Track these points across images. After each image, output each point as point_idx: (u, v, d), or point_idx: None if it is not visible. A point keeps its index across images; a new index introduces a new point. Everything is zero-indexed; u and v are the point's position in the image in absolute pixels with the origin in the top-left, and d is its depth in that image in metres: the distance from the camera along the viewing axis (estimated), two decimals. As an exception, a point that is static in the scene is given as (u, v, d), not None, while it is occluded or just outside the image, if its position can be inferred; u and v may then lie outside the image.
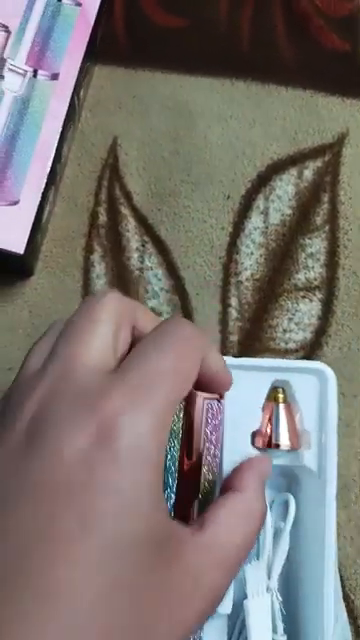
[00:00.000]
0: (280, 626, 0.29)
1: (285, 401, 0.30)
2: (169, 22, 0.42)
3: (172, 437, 0.23)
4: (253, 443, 0.30)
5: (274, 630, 0.29)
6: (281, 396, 0.30)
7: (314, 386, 0.30)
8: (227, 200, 0.39)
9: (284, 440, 0.29)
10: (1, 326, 0.36)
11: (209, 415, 0.25)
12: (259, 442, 0.30)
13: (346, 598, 0.33)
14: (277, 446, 0.29)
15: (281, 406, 0.30)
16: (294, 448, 0.30)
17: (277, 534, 0.30)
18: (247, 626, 0.28)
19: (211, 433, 0.25)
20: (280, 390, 0.30)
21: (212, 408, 0.25)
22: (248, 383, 0.30)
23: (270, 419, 0.30)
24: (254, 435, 0.30)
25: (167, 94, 0.41)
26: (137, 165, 0.39)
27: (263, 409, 0.30)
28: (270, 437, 0.29)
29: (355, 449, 0.36)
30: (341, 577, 0.33)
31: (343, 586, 0.33)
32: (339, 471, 0.34)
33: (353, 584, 0.33)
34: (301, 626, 0.30)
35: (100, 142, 0.39)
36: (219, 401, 0.25)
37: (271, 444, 0.29)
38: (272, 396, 0.30)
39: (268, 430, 0.30)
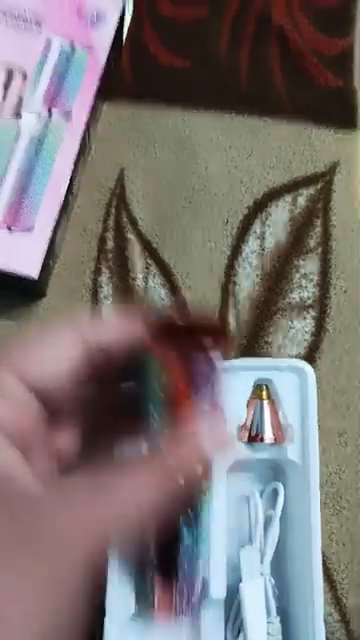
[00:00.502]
0: (273, 608, 0.31)
1: (268, 397, 0.33)
2: (172, 61, 0.46)
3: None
4: (239, 437, 0.32)
5: (268, 612, 0.31)
6: (264, 393, 0.33)
7: (295, 383, 0.33)
8: (226, 225, 0.42)
9: (268, 434, 0.32)
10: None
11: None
12: (245, 436, 0.32)
13: (338, 601, 0.35)
14: (262, 440, 0.32)
15: (265, 402, 0.33)
16: (278, 442, 0.32)
17: (268, 521, 0.32)
18: (243, 608, 0.30)
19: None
20: (263, 387, 0.33)
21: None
22: (234, 382, 0.33)
23: (255, 415, 0.32)
24: (240, 430, 0.33)
25: (170, 127, 0.44)
26: (143, 194, 0.42)
27: (248, 405, 0.33)
28: (255, 432, 0.32)
29: (347, 458, 0.38)
30: (333, 581, 0.35)
31: (335, 589, 0.35)
32: (332, 479, 0.36)
33: (345, 588, 0.35)
34: (293, 607, 0.32)
35: (108, 173, 0.43)
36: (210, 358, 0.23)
37: (256, 438, 0.32)
38: (256, 393, 0.33)
39: (253, 425, 0.32)
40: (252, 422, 0.32)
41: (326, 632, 0.32)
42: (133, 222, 0.42)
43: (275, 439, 0.32)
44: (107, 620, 0.29)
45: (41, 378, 0.21)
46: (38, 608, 0.17)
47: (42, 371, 0.21)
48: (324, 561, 0.35)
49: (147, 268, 0.41)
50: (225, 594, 0.30)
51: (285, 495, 0.32)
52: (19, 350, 0.22)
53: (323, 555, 0.34)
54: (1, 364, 0.21)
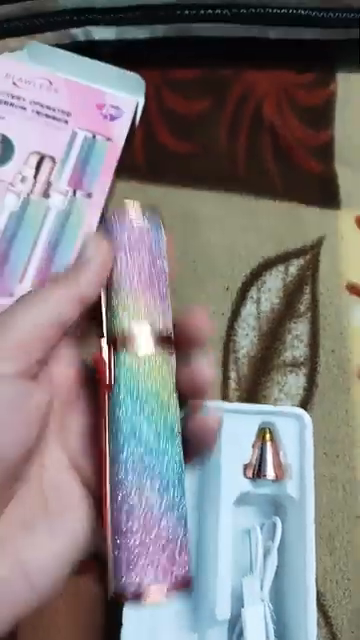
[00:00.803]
0: (272, 632, 0.34)
1: (271, 439, 0.37)
2: (179, 148, 0.52)
3: None
4: (245, 474, 0.37)
5: (267, 636, 0.34)
6: (268, 435, 0.37)
7: (294, 428, 0.38)
8: (226, 291, 0.47)
9: (270, 472, 0.36)
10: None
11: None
12: (249, 473, 0.37)
13: (334, 637, 0.38)
14: (265, 476, 0.36)
15: (268, 444, 0.37)
16: (278, 478, 0.36)
17: (267, 552, 0.36)
18: (245, 631, 0.33)
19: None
20: (267, 430, 0.38)
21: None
22: (240, 424, 0.38)
23: (259, 454, 0.37)
24: (245, 467, 0.37)
25: (177, 205, 0.50)
26: (152, 262, 0.48)
27: (253, 446, 0.37)
28: (259, 469, 0.36)
29: (338, 502, 0.41)
30: (329, 617, 0.38)
31: (330, 624, 0.38)
32: (325, 522, 0.40)
33: (339, 623, 0.38)
34: (289, 632, 0.36)
35: (122, 243, 0.48)
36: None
37: (260, 475, 0.36)
38: (260, 435, 0.38)
39: (257, 463, 0.37)
40: (256, 461, 0.37)
41: (322, 666, 0.36)
42: (144, 287, 0.47)
43: (276, 476, 0.36)
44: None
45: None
46: None
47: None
48: (319, 598, 0.38)
49: (156, 328, 0.46)
50: (229, 615, 0.33)
51: (283, 528, 0.36)
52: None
53: (318, 593, 0.38)
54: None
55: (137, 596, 0.20)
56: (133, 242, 0.24)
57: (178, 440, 0.23)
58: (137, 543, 0.20)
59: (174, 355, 0.24)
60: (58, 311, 0.23)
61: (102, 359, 0.23)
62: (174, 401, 0.23)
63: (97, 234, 0.25)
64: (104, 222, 0.25)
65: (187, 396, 0.24)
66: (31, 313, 0.22)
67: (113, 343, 0.23)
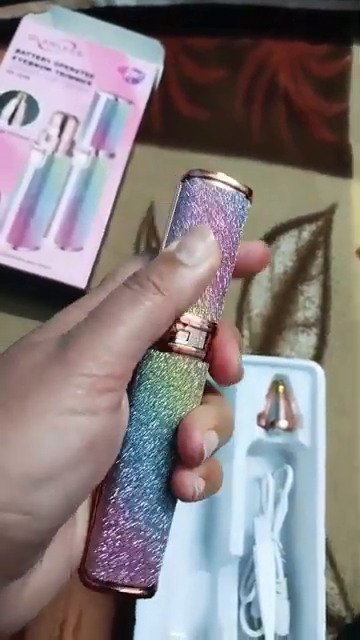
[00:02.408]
0: (281, 570, 0.37)
1: (284, 391, 0.39)
2: (195, 114, 0.54)
3: None
4: (258, 423, 0.39)
5: (276, 573, 0.36)
6: (281, 387, 0.39)
7: (307, 380, 0.39)
8: (241, 253, 0.49)
9: (282, 421, 0.38)
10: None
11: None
12: (262, 422, 0.39)
13: (338, 577, 0.40)
14: (277, 426, 0.38)
15: (281, 395, 0.39)
16: (290, 428, 0.38)
17: (277, 498, 0.38)
18: (256, 567, 0.35)
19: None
20: (280, 382, 0.40)
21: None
22: (255, 376, 0.39)
23: (272, 405, 0.39)
24: (259, 417, 0.39)
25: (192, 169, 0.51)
26: (169, 224, 0.49)
27: (266, 397, 0.39)
28: (272, 419, 0.38)
29: (344, 454, 0.43)
30: (334, 560, 0.41)
31: (335, 567, 0.40)
32: (330, 472, 0.42)
33: (344, 565, 0.40)
34: (299, 569, 0.38)
35: (140, 204, 0.50)
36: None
37: (273, 424, 0.38)
38: (274, 387, 0.39)
39: (270, 413, 0.38)
40: (269, 411, 0.39)
41: (327, 603, 0.38)
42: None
43: (288, 426, 0.38)
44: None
45: None
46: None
47: None
48: (325, 542, 0.40)
49: (173, 287, 0.47)
50: (242, 552, 0.35)
51: (294, 476, 0.38)
52: None
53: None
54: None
55: (103, 589, 0.21)
56: (214, 215, 0.21)
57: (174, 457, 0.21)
58: (119, 544, 0.21)
59: (206, 363, 0.22)
60: (154, 323, 0.19)
61: None
62: (184, 408, 0.21)
63: (207, 229, 0.21)
64: (189, 182, 0.22)
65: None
66: (128, 325, 0.19)
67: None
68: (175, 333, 0.21)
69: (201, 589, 0.39)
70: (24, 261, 0.41)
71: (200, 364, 0.21)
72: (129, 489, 0.21)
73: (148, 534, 0.21)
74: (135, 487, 0.21)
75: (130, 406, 0.21)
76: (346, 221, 0.50)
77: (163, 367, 0.21)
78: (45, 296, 0.44)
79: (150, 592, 0.22)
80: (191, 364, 0.21)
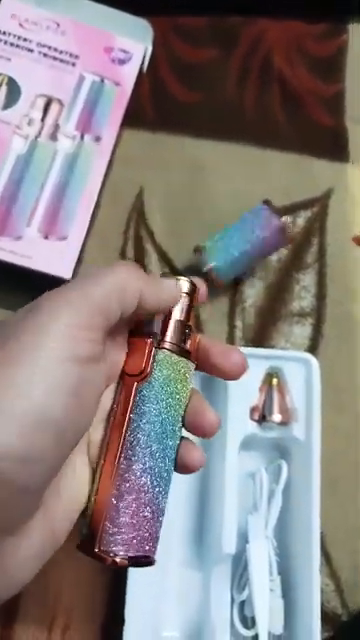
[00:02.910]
0: (275, 567, 0.35)
1: (278, 384, 0.38)
2: (187, 97, 0.52)
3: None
4: (251, 416, 0.37)
5: (270, 571, 0.35)
6: (275, 380, 0.38)
7: (301, 372, 0.38)
8: (234, 241, 0.47)
9: (276, 415, 0.36)
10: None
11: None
12: (256, 415, 0.37)
13: (334, 574, 0.39)
14: (271, 419, 0.37)
15: (274, 388, 0.37)
16: (284, 422, 0.37)
17: (271, 494, 0.36)
18: (249, 565, 0.34)
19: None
20: (274, 375, 0.38)
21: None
22: (248, 368, 0.38)
23: (265, 398, 0.37)
24: (252, 410, 0.37)
25: (184, 153, 0.49)
26: (159, 210, 0.47)
27: (260, 389, 0.38)
28: (265, 412, 0.36)
29: (342, 449, 0.42)
30: (330, 556, 0.39)
31: (331, 563, 0.39)
32: (327, 467, 0.41)
33: (340, 562, 0.39)
34: (294, 567, 0.37)
35: (129, 191, 0.48)
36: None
37: (266, 418, 0.36)
38: (267, 380, 0.38)
39: (264, 407, 0.37)
40: (263, 404, 0.37)
41: (322, 600, 0.37)
42: (150, 234, 0.47)
43: (282, 419, 0.37)
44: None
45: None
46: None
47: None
48: (321, 537, 0.39)
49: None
50: (235, 550, 0.34)
51: (288, 471, 0.36)
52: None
53: (320, 533, 0.38)
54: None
55: (113, 561, 0.23)
56: None
57: (178, 441, 0.25)
58: (127, 520, 0.23)
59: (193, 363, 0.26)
60: (124, 287, 0.23)
61: (145, 351, 0.25)
62: (185, 402, 0.26)
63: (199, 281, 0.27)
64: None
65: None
66: (102, 284, 0.22)
67: (157, 339, 0.25)
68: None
69: (194, 588, 0.38)
70: (6, 251, 0.40)
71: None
72: (148, 462, 0.23)
73: (156, 504, 0.24)
74: (151, 459, 0.23)
75: (149, 384, 0.24)
76: (342, 206, 0.49)
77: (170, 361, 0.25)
78: (29, 287, 0.42)
79: (153, 560, 0.24)
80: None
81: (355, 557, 0.39)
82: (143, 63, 0.48)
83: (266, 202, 0.44)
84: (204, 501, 0.39)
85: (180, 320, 0.26)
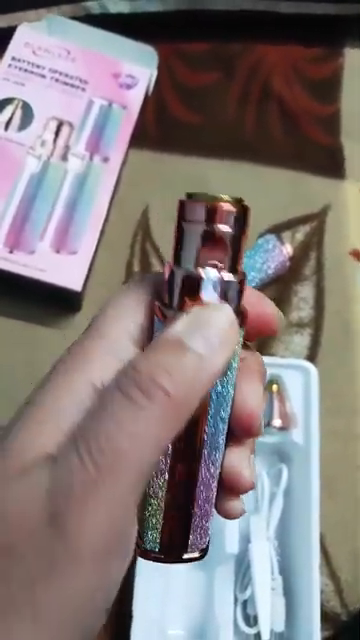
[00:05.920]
0: (276, 567, 0.37)
1: (278, 391, 0.39)
2: (189, 118, 0.54)
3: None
4: None
5: (272, 571, 0.37)
6: (275, 387, 0.39)
7: (301, 379, 0.40)
8: (235, 254, 0.49)
9: (277, 421, 0.38)
10: (57, 349, 0.45)
11: None
12: None
13: (333, 574, 0.41)
14: (271, 425, 0.39)
15: (275, 394, 0.39)
16: (284, 427, 0.38)
17: (272, 497, 0.38)
18: (251, 564, 0.35)
19: None
20: (274, 382, 0.40)
21: None
22: None
23: (266, 404, 0.39)
24: None
25: (186, 172, 0.52)
26: (164, 226, 0.50)
27: None
28: (266, 419, 0.39)
29: (340, 453, 0.44)
30: (329, 556, 0.41)
31: (331, 564, 0.41)
32: (326, 471, 0.43)
33: (340, 562, 0.41)
34: (294, 567, 0.38)
35: (135, 208, 0.50)
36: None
37: (267, 424, 0.38)
38: (268, 387, 0.40)
39: (264, 413, 0.39)
40: (263, 410, 0.39)
41: (322, 600, 0.38)
42: (156, 249, 0.49)
43: (282, 425, 0.38)
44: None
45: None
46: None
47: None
48: (320, 538, 0.40)
49: (168, 288, 0.48)
50: (237, 550, 0.36)
51: (289, 475, 0.38)
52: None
53: (320, 534, 0.40)
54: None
55: (187, 560, 0.21)
56: None
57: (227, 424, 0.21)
58: (203, 523, 0.21)
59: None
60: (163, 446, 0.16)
61: None
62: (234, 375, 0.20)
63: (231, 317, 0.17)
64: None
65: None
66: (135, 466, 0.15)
67: None
68: None
69: (198, 587, 0.39)
70: (20, 265, 0.42)
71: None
72: (212, 468, 0.20)
73: (213, 499, 0.21)
74: (216, 463, 0.20)
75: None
76: (339, 222, 0.51)
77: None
78: (41, 299, 0.45)
79: (207, 549, 0.22)
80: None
81: (354, 557, 0.41)
82: (149, 87, 0.51)
83: (274, 233, 0.46)
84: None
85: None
